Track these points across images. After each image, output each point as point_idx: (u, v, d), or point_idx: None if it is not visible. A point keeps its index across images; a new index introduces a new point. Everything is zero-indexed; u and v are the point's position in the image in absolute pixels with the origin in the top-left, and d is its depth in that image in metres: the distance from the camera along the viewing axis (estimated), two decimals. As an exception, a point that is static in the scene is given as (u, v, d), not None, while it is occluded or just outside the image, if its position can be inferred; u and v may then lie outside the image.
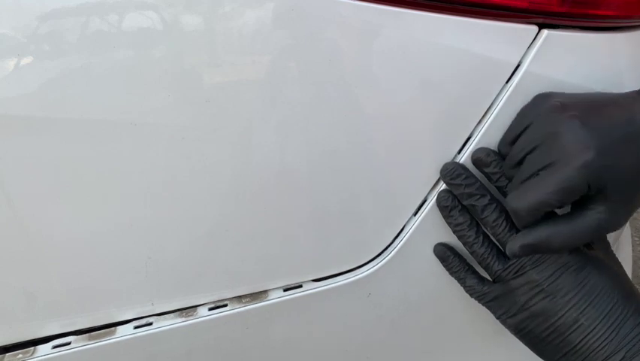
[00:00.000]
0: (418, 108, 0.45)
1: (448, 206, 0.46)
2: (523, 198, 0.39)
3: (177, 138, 0.42)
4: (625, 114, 0.39)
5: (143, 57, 0.39)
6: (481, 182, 0.46)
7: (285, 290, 0.50)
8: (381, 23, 0.41)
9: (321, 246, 0.49)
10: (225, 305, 0.50)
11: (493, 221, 0.44)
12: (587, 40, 0.46)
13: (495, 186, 0.46)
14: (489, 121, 0.46)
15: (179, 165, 0.43)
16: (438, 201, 0.47)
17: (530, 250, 0.40)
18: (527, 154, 0.41)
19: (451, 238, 0.49)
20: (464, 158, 0.47)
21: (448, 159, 0.47)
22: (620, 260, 0.47)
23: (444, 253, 0.48)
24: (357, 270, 0.51)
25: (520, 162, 0.42)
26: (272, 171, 0.45)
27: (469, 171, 0.46)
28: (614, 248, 0.48)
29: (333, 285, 0.50)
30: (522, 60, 0.44)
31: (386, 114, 0.44)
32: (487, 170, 0.45)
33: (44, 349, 0.48)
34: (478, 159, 0.45)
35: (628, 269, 0.76)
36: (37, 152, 0.41)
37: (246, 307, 0.50)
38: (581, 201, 0.40)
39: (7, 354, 0.48)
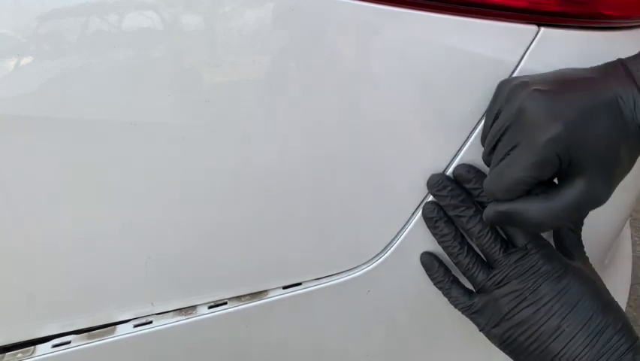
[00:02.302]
0: (417, 108, 0.45)
1: (433, 217, 0.47)
2: (498, 180, 0.39)
3: (177, 138, 0.42)
4: (590, 87, 0.38)
5: (143, 57, 0.39)
6: (467, 194, 0.46)
7: (284, 288, 0.51)
8: (381, 23, 0.41)
9: (321, 246, 0.49)
10: (225, 303, 0.50)
11: (479, 232, 0.45)
12: (587, 40, 0.46)
13: (477, 202, 0.46)
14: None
15: (179, 165, 0.43)
16: (423, 212, 0.47)
17: (504, 217, 0.40)
18: (500, 137, 0.40)
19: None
20: (465, 158, 0.47)
21: (448, 158, 0.47)
22: (620, 260, 0.47)
23: (430, 262, 0.49)
24: (356, 267, 0.51)
25: (495, 147, 0.42)
26: (271, 171, 0.45)
27: (456, 183, 0.46)
28: (612, 248, 0.48)
29: (332, 282, 0.51)
30: (521, 60, 0.44)
31: (386, 114, 0.45)
32: (468, 186, 0.46)
33: (44, 348, 0.48)
34: (459, 175, 0.46)
35: (628, 269, 0.76)
36: (37, 152, 0.41)
37: (246, 305, 0.50)
38: (559, 179, 0.39)
39: (7, 354, 0.48)
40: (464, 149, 0.47)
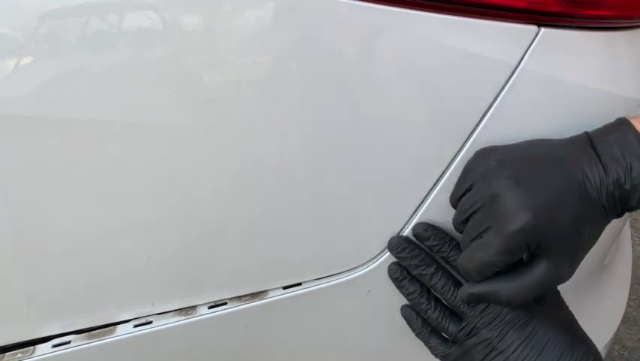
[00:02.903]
0: (417, 108, 0.45)
1: (398, 277, 0.49)
2: (471, 260, 0.41)
3: (177, 138, 0.42)
4: (559, 167, 0.40)
5: (143, 57, 0.39)
6: (426, 252, 0.48)
7: (284, 288, 0.51)
8: (380, 23, 0.41)
9: (321, 246, 0.49)
10: (225, 303, 0.50)
11: (442, 287, 0.47)
12: (587, 40, 0.46)
13: (439, 257, 0.49)
14: (489, 120, 0.46)
15: (179, 165, 0.43)
16: (389, 273, 0.50)
17: (477, 298, 0.43)
18: (473, 213, 0.43)
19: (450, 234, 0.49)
20: (465, 158, 0.47)
21: (448, 158, 0.47)
22: (620, 260, 0.47)
23: (409, 315, 0.51)
24: (357, 268, 0.51)
25: (467, 220, 0.44)
26: (271, 171, 0.45)
27: (414, 243, 0.49)
28: (612, 248, 0.48)
29: (332, 283, 0.51)
30: (522, 60, 0.44)
31: (386, 114, 0.45)
32: (427, 243, 0.48)
33: (44, 348, 0.48)
34: (417, 234, 0.49)
35: (628, 269, 0.76)
36: (37, 152, 0.41)
37: (246, 306, 0.50)
38: (527, 257, 0.42)
39: (7, 353, 0.48)
40: (464, 149, 0.47)
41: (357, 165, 0.46)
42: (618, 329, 0.70)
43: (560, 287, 0.56)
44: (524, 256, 0.42)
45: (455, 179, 0.47)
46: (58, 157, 0.42)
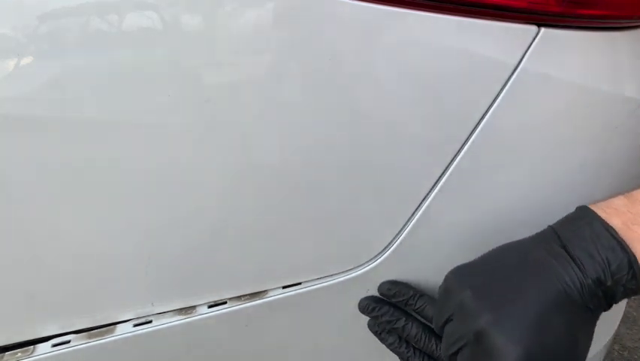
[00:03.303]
0: (417, 108, 0.45)
1: (377, 331, 0.52)
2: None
3: (177, 138, 0.42)
4: (537, 282, 0.38)
5: (143, 57, 0.39)
6: (394, 307, 0.51)
7: (283, 287, 0.51)
8: (380, 23, 0.41)
9: (321, 246, 0.49)
10: (224, 303, 0.50)
11: (414, 337, 0.49)
12: (587, 40, 0.45)
13: (410, 309, 0.51)
14: (489, 120, 0.46)
15: (179, 165, 0.43)
16: (368, 327, 0.53)
17: None
18: (461, 348, 0.41)
19: (450, 234, 0.49)
20: (465, 158, 0.47)
21: (448, 157, 0.47)
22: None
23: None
24: (356, 267, 0.51)
25: (456, 352, 0.42)
26: (271, 171, 0.45)
27: (381, 301, 0.51)
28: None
29: (331, 282, 0.51)
30: (521, 60, 0.44)
31: (386, 114, 0.44)
32: (393, 300, 0.51)
33: (44, 347, 0.48)
34: (382, 293, 0.51)
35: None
36: (37, 152, 0.41)
37: (245, 305, 0.50)
38: None
39: (7, 353, 0.48)
40: (464, 149, 0.47)
41: (357, 164, 0.46)
42: (618, 329, 0.70)
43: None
44: None
45: (455, 179, 0.47)
46: (58, 157, 0.42)
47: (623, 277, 0.36)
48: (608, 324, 0.68)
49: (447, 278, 0.44)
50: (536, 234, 0.42)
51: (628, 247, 0.37)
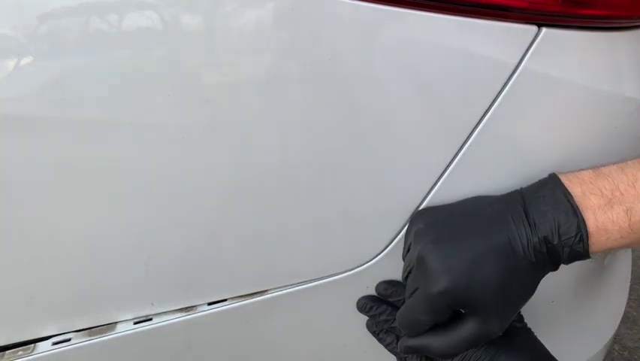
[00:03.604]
0: (417, 108, 0.45)
1: (375, 331, 0.53)
2: (404, 317, 0.45)
3: (177, 138, 0.42)
4: (485, 227, 0.42)
5: (143, 57, 0.39)
6: (391, 306, 0.51)
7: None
8: (380, 23, 0.41)
9: (321, 246, 0.49)
10: (224, 300, 0.50)
11: None
12: (587, 40, 0.45)
13: None
14: (489, 120, 0.46)
15: (179, 165, 0.43)
16: (367, 328, 0.54)
17: (412, 350, 0.46)
18: (409, 273, 0.45)
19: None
20: (464, 158, 0.47)
21: (447, 157, 0.47)
22: (620, 260, 0.47)
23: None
24: (357, 266, 0.51)
25: (407, 278, 0.46)
26: (271, 171, 0.45)
27: (379, 301, 0.52)
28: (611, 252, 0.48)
29: (331, 278, 0.51)
30: (522, 60, 0.44)
31: (386, 114, 0.45)
32: (390, 300, 0.52)
33: (44, 346, 0.48)
34: (379, 293, 0.52)
35: (628, 269, 0.76)
36: (37, 152, 0.41)
37: (245, 302, 0.50)
38: (457, 314, 0.43)
39: (8, 351, 0.48)
40: (464, 149, 0.47)
41: (357, 164, 0.46)
42: (618, 329, 0.70)
43: (560, 287, 0.57)
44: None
45: (455, 179, 0.47)
46: (58, 157, 0.42)
47: (570, 239, 0.40)
48: (608, 324, 0.68)
49: (413, 213, 0.48)
50: (505, 193, 0.45)
51: (580, 212, 0.40)
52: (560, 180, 0.42)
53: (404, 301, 0.50)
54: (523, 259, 0.41)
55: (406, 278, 0.46)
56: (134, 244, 0.46)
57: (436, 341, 0.44)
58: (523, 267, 0.41)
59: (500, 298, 0.41)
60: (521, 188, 0.45)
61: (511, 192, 0.45)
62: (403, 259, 0.49)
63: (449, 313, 0.42)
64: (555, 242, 0.40)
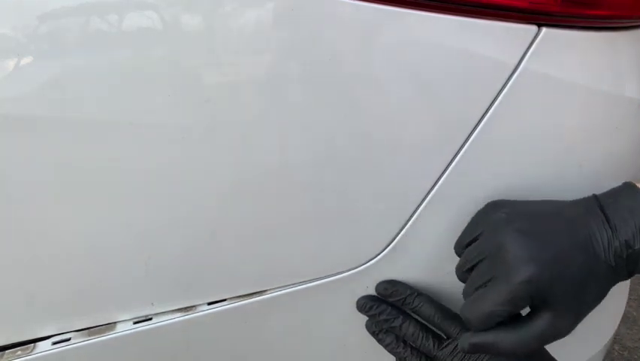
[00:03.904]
0: (417, 108, 0.45)
1: (374, 331, 0.53)
2: (474, 309, 0.42)
3: (177, 138, 0.42)
4: (567, 225, 0.41)
5: (143, 57, 0.39)
6: (391, 306, 0.51)
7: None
8: (381, 23, 0.41)
9: (321, 246, 0.49)
10: (224, 300, 0.50)
11: (411, 335, 0.50)
12: (587, 40, 0.45)
13: (407, 308, 0.51)
14: (489, 120, 0.46)
15: (179, 165, 0.43)
16: (366, 328, 0.53)
17: (478, 349, 0.44)
18: (478, 263, 0.44)
19: (449, 233, 0.49)
20: (464, 158, 0.47)
21: (447, 157, 0.47)
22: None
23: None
24: (357, 266, 0.51)
25: (471, 269, 0.45)
26: (271, 171, 0.45)
27: (378, 300, 0.52)
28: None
29: (331, 278, 0.51)
30: (521, 60, 0.44)
31: (386, 114, 0.45)
32: (390, 300, 0.51)
33: (44, 345, 0.48)
34: (379, 293, 0.52)
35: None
36: (37, 152, 0.41)
37: (244, 302, 0.50)
38: (529, 308, 0.42)
39: (7, 351, 0.48)
40: (464, 149, 0.47)
41: (357, 164, 0.46)
42: (618, 329, 0.70)
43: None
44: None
45: (455, 179, 0.47)
46: (58, 157, 0.42)
47: None
48: (608, 324, 0.68)
49: (487, 204, 0.47)
50: (579, 198, 0.45)
51: None
52: (637, 187, 0.42)
53: (406, 298, 0.50)
54: (604, 262, 0.40)
55: (469, 269, 0.45)
56: (134, 244, 0.46)
57: (506, 337, 0.42)
58: (602, 269, 0.40)
59: (579, 296, 0.40)
60: (595, 194, 0.44)
61: (586, 198, 0.44)
62: (457, 250, 0.48)
63: (526, 305, 0.40)
64: (636, 247, 0.39)
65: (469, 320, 0.43)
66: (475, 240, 0.45)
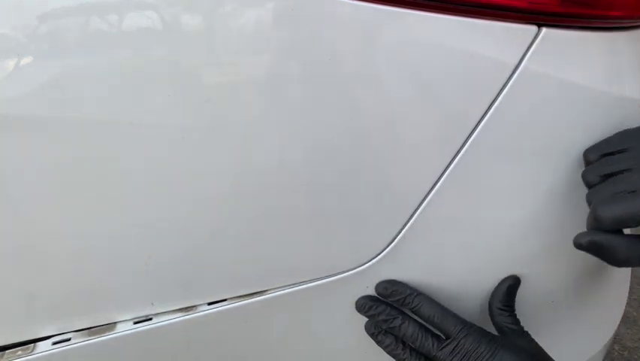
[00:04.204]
0: (417, 108, 0.45)
1: (373, 332, 0.53)
2: (613, 208, 0.41)
3: (177, 138, 0.42)
4: None
5: (143, 57, 0.39)
6: (391, 306, 0.51)
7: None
8: (381, 23, 0.41)
9: (321, 246, 0.49)
10: (224, 300, 0.50)
11: (411, 336, 0.50)
12: (587, 40, 0.45)
13: (407, 308, 0.51)
14: (489, 120, 0.46)
15: (179, 165, 0.43)
16: (365, 329, 0.54)
17: (594, 246, 0.42)
18: (623, 171, 0.43)
19: (449, 233, 0.49)
20: (464, 158, 0.47)
21: (447, 157, 0.47)
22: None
23: None
24: (357, 266, 0.51)
25: (608, 175, 0.44)
26: (271, 171, 0.45)
27: (377, 301, 0.52)
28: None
29: (331, 278, 0.51)
30: (521, 60, 0.44)
31: (386, 114, 0.45)
32: (390, 300, 0.51)
33: (44, 345, 0.48)
34: (379, 293, 0.52)
35: (628, 269, 0.76)
36: (37, 152, 0.41)
37: (245, 302, 0.50)
38: None
39: (7, 351, 0.48)
40: (464, 149, 0.47)
41: (357, 164, 0.46)
42: (618, 329, 0.70)
43: (560, 287, 0.57)
44: None
45: (455, 179, 0.47)
46: (59, 157, 0.42)
47: None
48: (608, 324, 0.68)
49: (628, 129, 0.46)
50: None
51: None
52: None
53: (406, 298, 0.50)
54: None
55: (606, 176, 0.44)
56: (134, 244, 0.46)
57: (626, 245, 0.41)
58: None
59: None
60: None
61: None
62: (590, 155, 0.46)
63: None
64: None
65: (601, 218, 0.42)
66: (619, 151, 0.44)
